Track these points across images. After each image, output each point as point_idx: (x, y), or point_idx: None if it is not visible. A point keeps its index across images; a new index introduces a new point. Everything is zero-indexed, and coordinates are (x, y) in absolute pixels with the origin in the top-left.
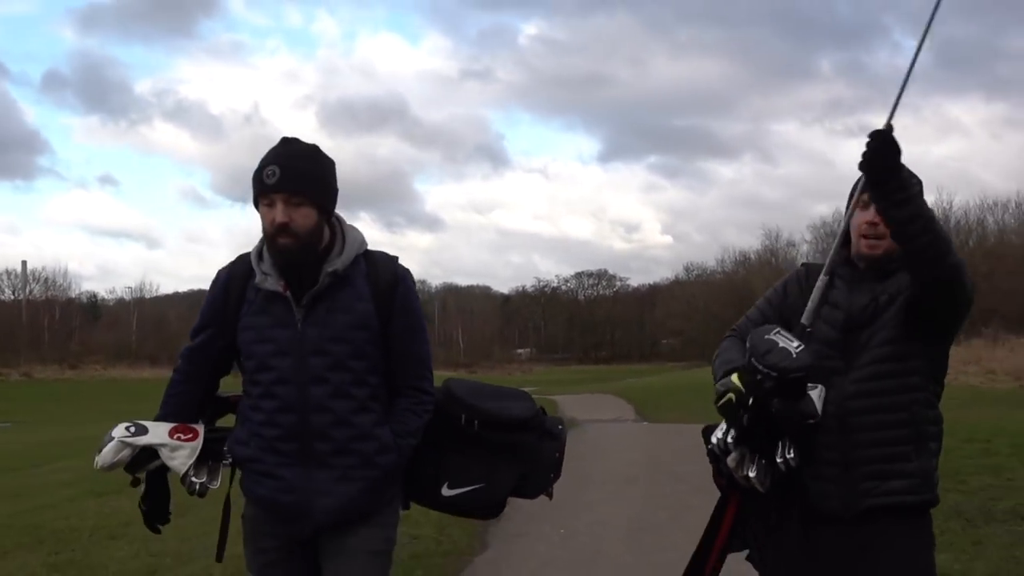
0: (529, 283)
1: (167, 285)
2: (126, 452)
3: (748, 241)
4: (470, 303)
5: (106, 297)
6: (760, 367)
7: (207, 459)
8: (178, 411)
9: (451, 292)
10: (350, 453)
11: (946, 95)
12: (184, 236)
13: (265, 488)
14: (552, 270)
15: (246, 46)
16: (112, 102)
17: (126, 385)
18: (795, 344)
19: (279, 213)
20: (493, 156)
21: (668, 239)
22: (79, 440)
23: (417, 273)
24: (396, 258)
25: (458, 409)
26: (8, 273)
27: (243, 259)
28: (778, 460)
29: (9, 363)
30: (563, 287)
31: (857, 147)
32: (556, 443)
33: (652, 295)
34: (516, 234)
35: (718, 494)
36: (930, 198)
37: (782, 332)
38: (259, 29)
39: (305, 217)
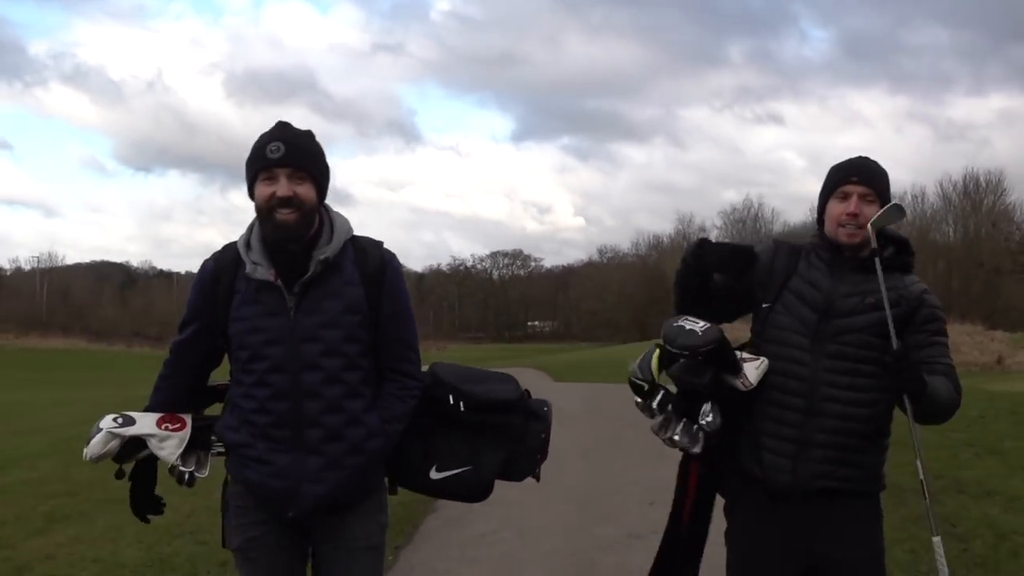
0: (443, 262)
1: (69, 256)
2: (114, 443)
3: (659, 225)
4: None
5: (6, 267)
6: (673, 351)
7: (195, 448)
8: (167, 402)
9: None
10: (341, 439)
11: (852, 86)
12: (84, 205)
13: (255, 473)
14: (465, 249)
15: (148, 9)
16: (4, 63)
17: (40, 354)
18: (700, 324)
19: (282, 187)
20: (405, 132)
21: (580, 221)
22: (14, 405)
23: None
24: (381, 243)
25: (445, 392)
26: None
27: (230, 249)
28: (700, 422)
29: None
30: (478, 266)
31: (766, 134)
32: (542, 424)
33: (566, 276)
34: (428, 212)
35: (646, 428)
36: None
37: (687, 317)
38: None
39: (307, 193)
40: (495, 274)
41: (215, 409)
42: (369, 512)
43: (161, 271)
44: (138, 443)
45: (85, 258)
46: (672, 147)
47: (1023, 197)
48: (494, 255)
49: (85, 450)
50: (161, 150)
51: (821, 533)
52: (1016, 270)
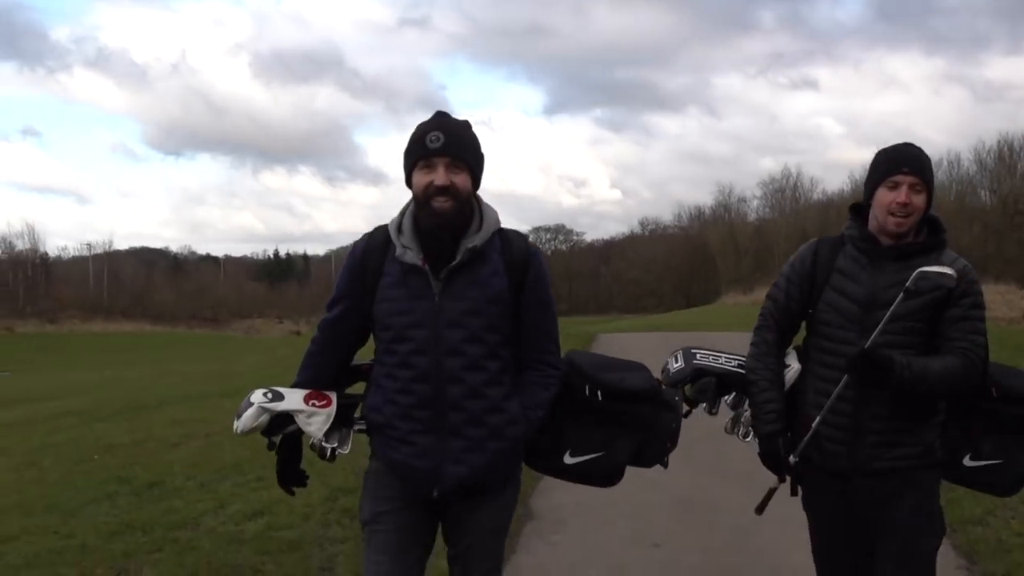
0: None
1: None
2: (264, 417)
3: (696, 195)
4: None
5: (58, 254)
6: (666, 384)
7: (339, 425)
8: (314, 379)
9: None
10: (482, 424)
11: (887, 48)
12: (116, 191)
13: (400, 453)
14: (502, 225)
15: None
16: (26, 48)
17: (111, 338)
18: (676, 364)
19: (440, 176)
20: (435, 107)
21: (617, 194)
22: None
23: (364, 229)
24: (527, 236)
25: (581, 380)
26: None
27: (380, 231)
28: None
29: None
30: None
31: (801, 100)
32: (673, 414)
33: (607, 250)
34: None
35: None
36: (869, 154)
37: (679, 354)
38: None
39: (464, 182)
40: None
41: (358, 388)
42: (504, 497)
43: (205, 255)
44: (285, 418)
45: (122, 244)
46: (706, 116)
47: None
48: (536, 230)
49: (236, 423)
50: (190, 133)
51: (882, 502)
52: None
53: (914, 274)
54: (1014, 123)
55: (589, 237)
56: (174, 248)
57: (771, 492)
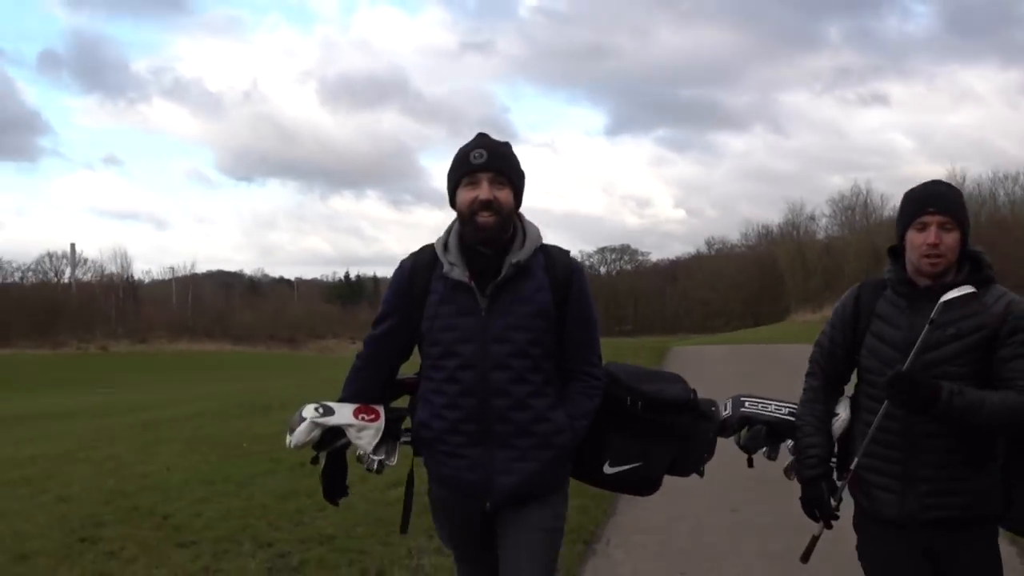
0: None
1: (188, 265)
2: (316, 432)
3: (762, 213)
4: None
5: (141, 277)
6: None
7: (386, 438)
8: (360, 393)
9: None
10: (529, 435)
11: (959, 62)
12: (192, 216)
13: (449, 468)
14: (565, 246)
15: (243, 22)
16: (109, 81)
17: (196, 356)
18: (725, 412)
19: (484, 191)
20: (499, 130)
21: (681, 213)
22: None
23: None
24: (568, 252)
25: (622, 392)
26: (51, 256)
27: (427, 250)
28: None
29: (85, 339)
30: (586, 262)
31: (870, 116)
32: (710, 424)
33: (673, 269)
34: (528, 210)
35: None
36: (942, 169)
37: (723, 405)
38: (256, 4)
39: (507, 197)
40: (602, 269)
41: (402, 402)
42: (553, 502)
43: (278, 278)
44: (335, 432)
45: (201, 267)
46: (772, 133)
47: None
48: (602, 251)
49: (289, 438)
50: (260, 159)
51: (938, 552)
52: None
53: (937, 304)
54: None
55: (654, 257)
56: (247, 271)
57: (815, 539)
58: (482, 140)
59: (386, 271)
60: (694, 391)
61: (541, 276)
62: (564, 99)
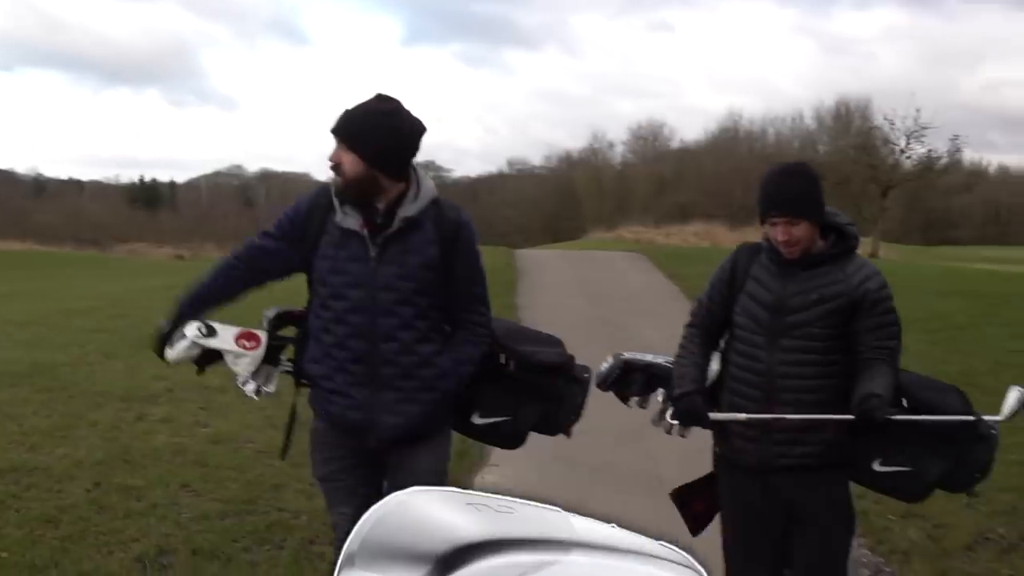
0: None
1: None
2: (195, 351)
3: (555, 135)
4: (294, 190)
5: None
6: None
7: (265, 365)
8: (223, 289)
9: (271, 177)
10: (414, 378)
11: None
12: None
13: (335, 406)
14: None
15: None
16: None
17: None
18: (606, 364)
19: (332, 154)
20: (289, 32)
21: (478, 130)
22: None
23: (218, 156)
24: (460, 207)
25: (497, 348)
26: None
27: (326, 192)
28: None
29: None
30: None
31: (658, 44)
32: (581, 388)
33: (474, 186)
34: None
35: None
36: (724, 101)
37: (605, 362)
38: None
39: (350, 162)
40: None
41: (288, 332)
42: (439, 444)
43: (66, 179)
44: (214, 352)
45: None
46: (565, 55)
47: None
48: None
49: (168, 351)
50: (17, 46)
51: (790, 494)
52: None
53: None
54: (858, 76)
55: (456, 174)
56: (20, 169)
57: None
58: (350, 108)
59: (171, 175)
60: (571, 356)
61: (430, 229)
62: (358, 5)
